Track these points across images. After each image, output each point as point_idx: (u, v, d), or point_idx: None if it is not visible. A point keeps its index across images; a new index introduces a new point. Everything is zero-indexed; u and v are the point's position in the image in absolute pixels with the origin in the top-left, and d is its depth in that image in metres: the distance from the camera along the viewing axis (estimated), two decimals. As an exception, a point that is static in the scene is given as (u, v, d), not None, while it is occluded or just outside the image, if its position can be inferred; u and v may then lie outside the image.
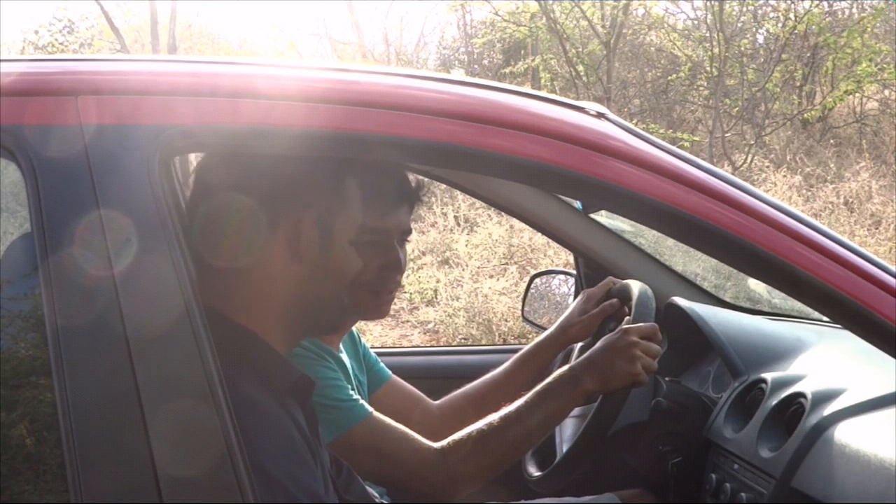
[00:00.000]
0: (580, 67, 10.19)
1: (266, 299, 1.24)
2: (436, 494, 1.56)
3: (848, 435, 1.50)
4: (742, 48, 10.32)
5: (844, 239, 1.22)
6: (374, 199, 1.56)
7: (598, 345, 1.65)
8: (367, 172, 1.34)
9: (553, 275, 2.57)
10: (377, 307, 1.70)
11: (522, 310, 2.56)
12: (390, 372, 1.94)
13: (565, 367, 1.63)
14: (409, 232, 1.72)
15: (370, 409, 1.61)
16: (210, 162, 1.24)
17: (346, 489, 1.40)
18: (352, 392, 1.61)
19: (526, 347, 1.98)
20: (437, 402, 1.95)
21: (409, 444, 1.58)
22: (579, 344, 1.98)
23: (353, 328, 1.86)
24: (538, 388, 1.60)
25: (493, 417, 1.57)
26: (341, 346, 1.76)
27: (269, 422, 1.16)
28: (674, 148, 1.25)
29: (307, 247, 1.23)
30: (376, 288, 1.66)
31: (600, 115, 1.28)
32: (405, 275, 1.75)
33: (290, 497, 1.12)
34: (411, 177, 1.73)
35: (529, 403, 1.58)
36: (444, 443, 1.58)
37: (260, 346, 1.23)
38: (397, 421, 1.64)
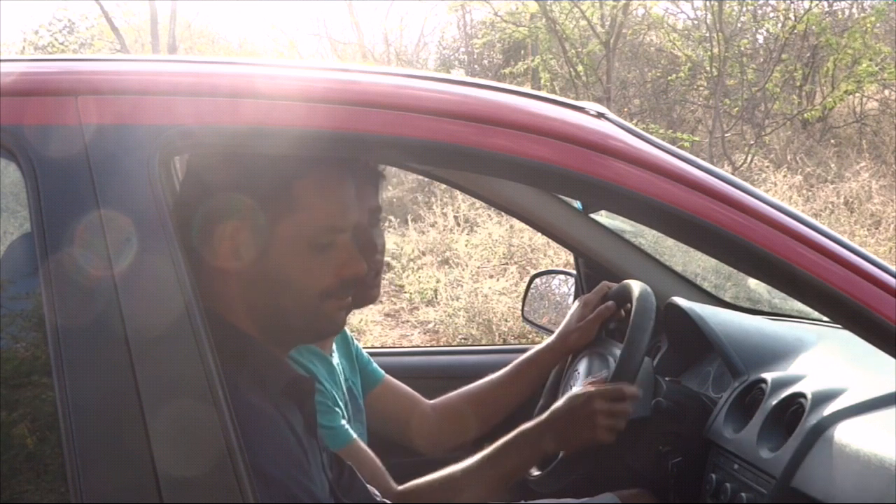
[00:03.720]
0: (580, 67, 10.19)
1: (247, 302, 1.23)
2: None
3: (848, 435, 1.50)
4: (742, 48, 10.32)
5: (844, 239, 1.22)
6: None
7: (561, 403, 1.65)
8: (319, 169, 1.27)
9: (553, 275, 2.57)
10: (364, 293, 1.66)
11: (522, 310, 2.56)
12: (384, 372, 1.93)
13: (529, 424, 1.64)
14: (379, 209, 1.68)
15: (352, 437, 1.61)
16: (204, 162, 1.24)
17: (348, 491, 1.40)
18: (337, 417, 1.61)
19: (526, 354, 1.98)
20: (432, 401, 1.95)
21: (373, 481, 1.57)
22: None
23: (346, 329, 1.86)
24: (500, 442, 1.61)
25: (456, 469, 1.59)
26: (334, 346, 1.76)
27: (263, 422, 1.16)
28: (674, 148, 1.24)
29: (244, 253, 1.20)
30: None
31: (600, 115, 1.28)
32: (389, 258, 1.73)
33: (288, 496, 1.12)
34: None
35: (491, 458, 1.59)
36: (406, 486, 1.60)
37: (253, 347, 1.23)
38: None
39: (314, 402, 1.30)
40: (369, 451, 1.62)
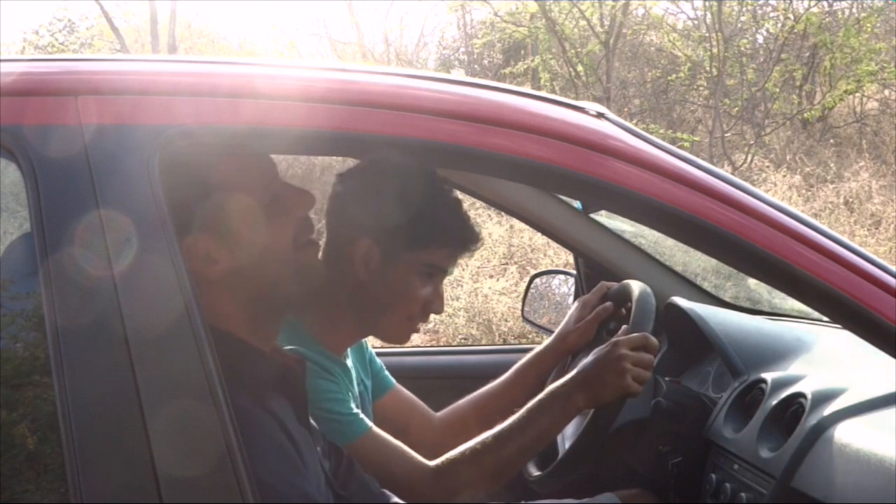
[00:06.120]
0: (580, 67, 10.19)
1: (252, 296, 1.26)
2: None
3: (848, 435, 1.50)
4: (742, 48, 10.32)
5: (844, 239, 1.22)
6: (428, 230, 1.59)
7: (588, 359, 1.64)
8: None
9: (553, 275, 2.57)
10: (403, 334, 1.71)
11: (522, 310, 2.56)
12: (394, 380, 1.93)
13: (557, 383, 1.62)
14: (445, 272, 1.70)
15: (369, 423, 1.61)
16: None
17: (346, 481, 1.41)
18: (352, 406, 1.61)
19: (525, 357, 1.98)
20: (438, 413, 1.94)
21: (405, 462, 1.59)
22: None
23: None
24: (531, 404, 1.60)
25: (487, 435, 1.58)
26: (348, 350, 1.75)
27: (253, 426, 1.15)
28: (674, 148, 1.24)
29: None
30: (415, 318, 1.68)
31: (600, 115, 1.28)
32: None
33: (280, 498, 1.12)
34: (473, 225, 1.70)
35: (523, 420, 1.58)
36: (439, 461, 1.59)
37: (239, 347, 1.23)
38: (397, 429, 1.64)
39: (305, 388, 1.30)
40: (388, 436, 1.61)
